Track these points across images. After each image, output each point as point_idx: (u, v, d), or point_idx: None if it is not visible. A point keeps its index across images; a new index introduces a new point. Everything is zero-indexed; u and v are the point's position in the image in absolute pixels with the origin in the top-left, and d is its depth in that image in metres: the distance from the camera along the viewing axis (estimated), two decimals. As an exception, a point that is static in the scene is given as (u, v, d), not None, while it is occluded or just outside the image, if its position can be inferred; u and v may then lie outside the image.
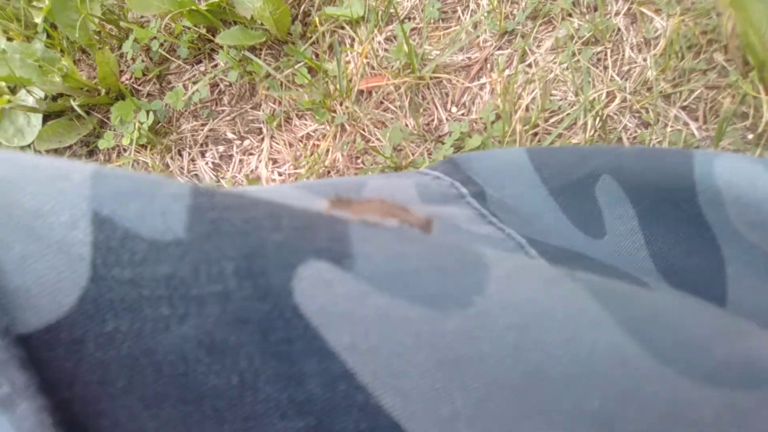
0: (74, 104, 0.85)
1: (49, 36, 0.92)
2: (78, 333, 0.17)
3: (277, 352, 0.18)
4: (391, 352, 0.18)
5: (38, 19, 0.90)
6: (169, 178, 0.19)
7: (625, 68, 0.71)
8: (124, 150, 0.87)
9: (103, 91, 0.87)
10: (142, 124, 0.84)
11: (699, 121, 0.67)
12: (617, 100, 0.70)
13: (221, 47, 0.84)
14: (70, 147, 0.90)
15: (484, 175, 0.44)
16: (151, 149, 0.85)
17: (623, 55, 0.72)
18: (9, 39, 0.92)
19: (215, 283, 0.18)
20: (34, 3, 0.91)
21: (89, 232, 0.17)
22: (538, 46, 0.75)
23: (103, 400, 0.18)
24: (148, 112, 0.85)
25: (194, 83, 0.86)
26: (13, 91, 0.90)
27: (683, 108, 0.68)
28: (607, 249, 0.38)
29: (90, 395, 0.18)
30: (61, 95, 0.88)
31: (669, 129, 0.67)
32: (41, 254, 0.17)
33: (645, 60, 0.71)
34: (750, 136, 0.64)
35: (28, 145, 0.90)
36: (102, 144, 0.86)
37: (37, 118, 0.89)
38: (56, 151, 0.90)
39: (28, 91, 0.87)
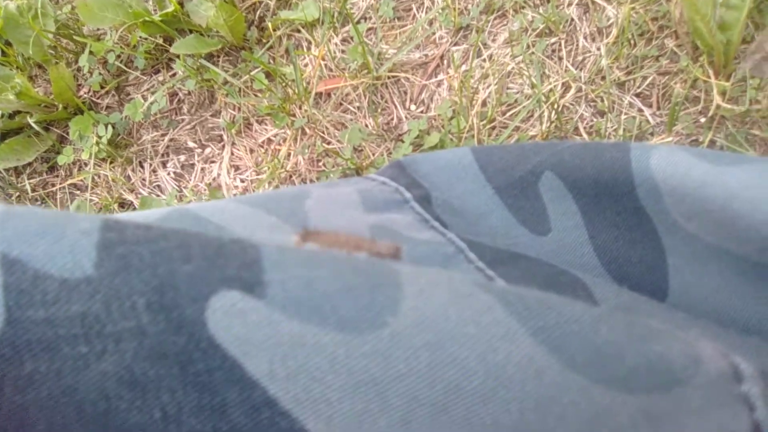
0: (31, 121, 0.84)
1: (3, 53, 0.91)
2: None
3: (197, 383, 0.18)
4: (309, 378, 0.18)
5: (-9, 37, 0.89)
6: (80, 213, 0.19)
7: (580, 58, 0.72)
8: (85, 164, 0.86)
9: (60, 107, 0.86)
10: (101, 137, 0.83)
11: (653, 107, 0.67)
12: (572, 91, 0.70)
13: (178, 56, 0.83)
14: (30, 164, 0.89)
15: (431, 177, 0.44)
16: (111, 162, 0.84)
17: (577, 45, 0.72)
18: (-37, 58, 0.91)
19: (128, 319, 0.17)
20: (-14, 20, 0.90)
21: (0, 274, 0.17)
22: (494, 41, 0.75)
23: None
24: (106, 125, 0.84)
25: (153, 94, 0.85)
26: (-32, 110, 0.89)
27: (637, 95, 0.68)
28: (552, 245, 0.39)
29: None
30: (18, 112, 0.87)
31: (624, 116, 0.68)
32: None
33: (599, 49, 0.71)
34: (702, 120, 0.65)
35: (-12, 165, 0.88)
36: (61, 160, 0.85)
37: (-5, 137, 0.88)
38: (15, 170, 0.89)
39: (-16, 110, 0.86)
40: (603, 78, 0.69)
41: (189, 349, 0.18)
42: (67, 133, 0.87)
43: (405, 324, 0.19)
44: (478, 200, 0.41)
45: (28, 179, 0.88)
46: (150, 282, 0.18)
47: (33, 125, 0.84)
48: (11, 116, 0.87)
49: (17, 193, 0.88)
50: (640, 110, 0.67)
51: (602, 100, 0.69)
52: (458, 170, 0.43)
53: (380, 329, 0.19)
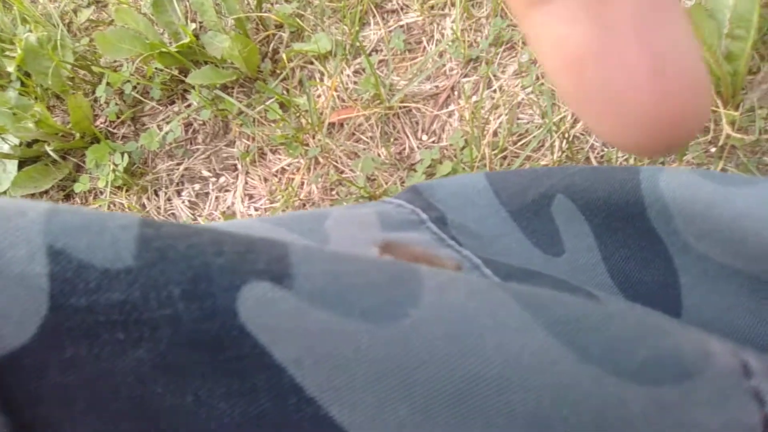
0: (49, 149, 0.85)
1: (23, 84, 0.93)
2: (40, 359, 0.18)
3: (228, 369, 0.19)
4: (334, 365, 0.19)
5: (11, 68, 0.91)
6: (118, 212, 0.21)
7: (589, 89, 0.73)
8: (101, 192, 0.87)
9: (77, 136, 0.87)
10: (117, 166, 0.85)
11: (662, 137, 0.68)
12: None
13: (193, 87, 0.85)
14: (46, 192, 0.90)
15: (446, 201, 0.45)
16: (127, 191, 0.85)
17: (586, 76, 0.73)
18: (-17, 89, 0.93)
19: (165, 307, 0.18)
20: (7, 52, 0.92)
21: (46, 264, 0.18)
22: (503, 72, 0.76)
23: (65, 420, 0.19)
24: (122, 154, 0.85)
25: (168, 124, 0.87)
26: (-13, 139, 0.90)
27: (646, 125, 0.69)
28: (566, 266, 0.39)
29: (52, 416, 0.19)
30: (36, 141, 0.88)
31: (634, 146, 0.68)
32: (3, 286, 0.18)
33: (607, 80, 0.72)
34: (713, 150, 0.66)
35: (4, 192, 0.90)
36: (77, 187, 0.86)
37: (12, 165, 0.89)
38: (32, 196, 0.90)
39: (3, 139, 0.87)
40: (612, 108, 0.70)
41: (221, 336, 0.19)
42: (84, 162, 0.88)
43: (425, 315, 0.20)
44: (492, 223, 0.42)
45: (44, 207, 0.89)
46: (185, 273, 0.19)
47: (51, 153, 0.86)
48: (29, 145, 0.89)
49: (33, 221, 0.89)
50: (649, 140, 0.68)
51: (612, 130, 0.70)
52: (473, 195, 0.44)
53: (402, 319, 0.20)
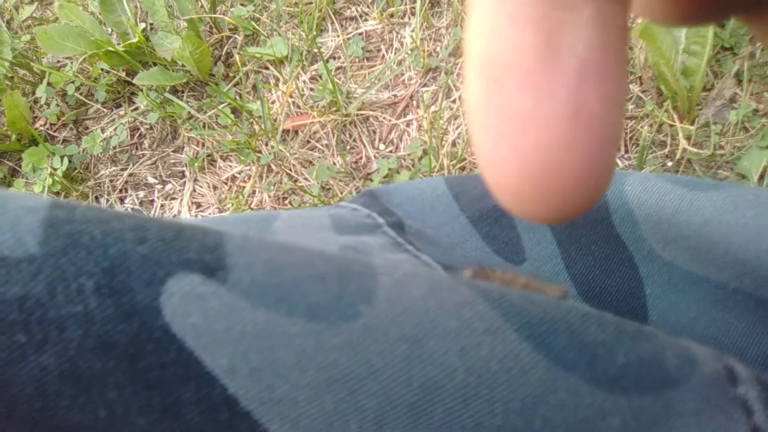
0: (-19, 152, 0.80)
1: (-45, 82, 0.87)
2: None
3: (148, 379, 0.16)
4: (273, 374, 0.16)
5: (-57, 64, 0.85)
6: (28, 193, 0.17)
7: (548, 101, 0.72)
8: (37, 198, 0.82)
9: (13, 137, 0.82)
10: (56, 170, 0.80)
11: (621, 151, 0.68)
12: (541, 133, 0.70)
13: (141, 89, 0.81)
14: (-23, 197, 0.84)
15: (404, 207, 0.43)
16: (66, 197, 0.80)
17: (545, 88, 0.73)
18: None
19: (74, 304, 0.16)
20: (-61, 47, 0.86)
21: None
22: (462, 82, 0.75)
23: None
24: (62, 157, 0.81)
25: (114, 127, 0.82)
26: None
27: (605, 138, 0.69)
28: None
29: None
30: (-33, 143, 0.83)
31: (592, 159, 0.68)
32: None
33: (566, 93, 0.72)
34: (669, 163, 0.66)
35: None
36: (11, 193, 0.81)
37: (-60, 168, 0.83)
38: (-39, 203, 0.84)
39: (-70, 139, 0.81)
40: (571, 121, 0.70)
41: (140, 340, 0.16)
42: (20, 166, 0.83)
43: (380, 315, 0.18)
44: (451, 230, 0.41)
45: (-26, 213, 0.83)
46: (100, 263, 0.16)
47: (-18, 156, 0.80)
48: (-41, 147, 0.83)
49: (-39, 228, 0.83)
50: (608, 153, 0.68)
51: (571, 143, 0.69)
52: (431, 200, 0.42)
53: (353, 320, 0.17)
